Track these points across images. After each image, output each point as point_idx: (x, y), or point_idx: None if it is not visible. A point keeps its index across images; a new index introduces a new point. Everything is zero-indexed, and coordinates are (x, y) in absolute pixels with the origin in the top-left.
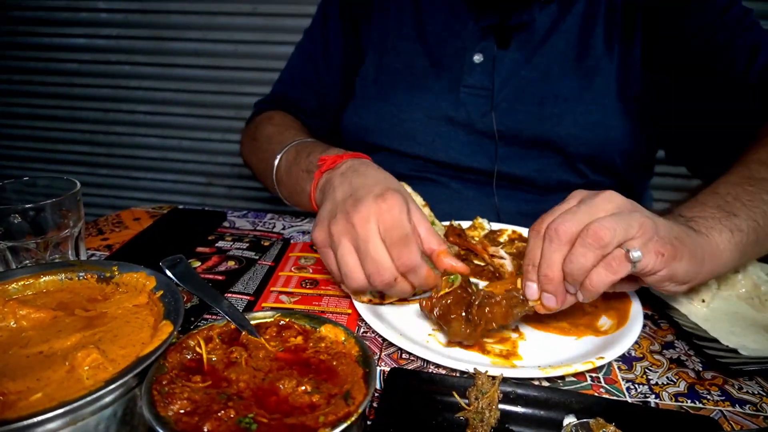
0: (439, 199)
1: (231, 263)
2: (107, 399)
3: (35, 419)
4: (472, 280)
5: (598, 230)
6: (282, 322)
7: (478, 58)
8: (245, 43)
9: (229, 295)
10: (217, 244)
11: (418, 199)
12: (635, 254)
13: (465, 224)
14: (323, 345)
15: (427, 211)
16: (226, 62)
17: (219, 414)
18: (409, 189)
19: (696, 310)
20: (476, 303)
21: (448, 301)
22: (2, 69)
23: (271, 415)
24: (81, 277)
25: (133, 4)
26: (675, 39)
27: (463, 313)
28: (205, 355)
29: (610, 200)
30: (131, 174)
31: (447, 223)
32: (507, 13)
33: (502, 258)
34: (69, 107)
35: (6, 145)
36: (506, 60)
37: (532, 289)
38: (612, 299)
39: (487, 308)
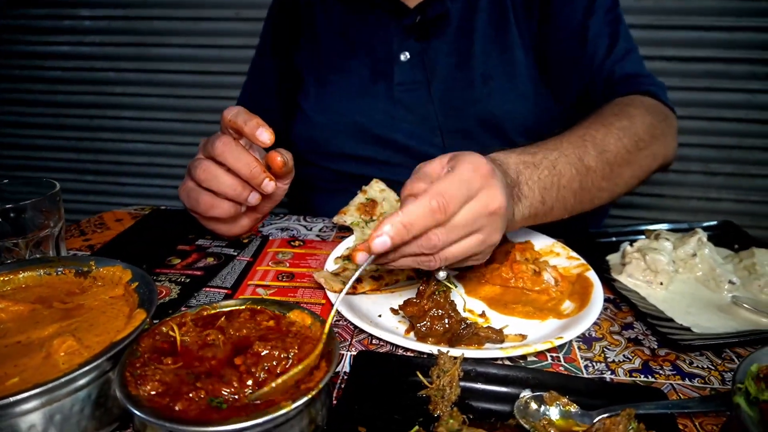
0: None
1: (210, 260)
2: (81, 381)
3: (11, 399)
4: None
5: (432, 238)
6: (256, 308)
7: (404, 56)
8: (229, 48)
9: (207, 289)
10: (197, 242)
11: (392, 195)
12: (441, 274)
13: None
14: (293, 329)
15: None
16: (211, 67)
17: (190, 395)
18: (382, 185)
19: (655, 293)
20: (462, 332)
21: (432, 312)
22: None
23: (239, 391)
24: (59, 273)
25: (117, 11)
26: (556, 17)
27: (441, 328)
28: (178, 337)
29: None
30: (118, 180)
31: None
32: (423, 10)
33: None
34: (54, 114)
35: None
36: (430, 52)
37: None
38: (576, 284)
39: (467, 339)
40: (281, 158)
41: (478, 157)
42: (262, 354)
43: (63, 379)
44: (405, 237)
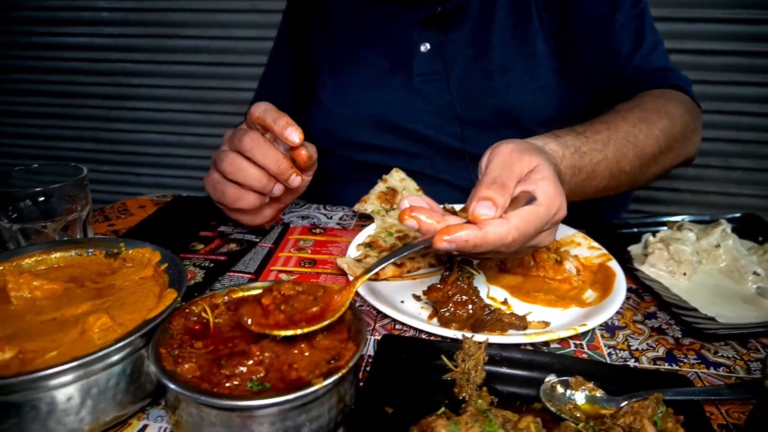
0: (422, 184)
1: (233, 245)
2: (116, 357)
3: (51, 371)
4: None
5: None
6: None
7: (424, 47)
8: (244, 40)
9: (231, 273)
10: (219, 229)
11: (412, 184)
12: None
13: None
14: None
15: (421, 194)
16: (226, 59)
17: (227, 385)
18: (402, 174)
19: (678, 283)
20: (486, 318)
21: (456, 297)
22: (5, 68)
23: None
24: (90, 253)
25: (133, 3)
26: (580, 8)
27: (465, 314)
28: (211, 319)
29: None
30: (134, 170)
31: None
32: (442, 1)
33: None
34: (72, 105)
35: (10, 144)
36: (450, 43)
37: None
38: (598, 274)
39: (491, 325)
40: (306, 152)
41: (560, 199)
42: (290, 294)
43: (99, 354)
44: (469, 251)
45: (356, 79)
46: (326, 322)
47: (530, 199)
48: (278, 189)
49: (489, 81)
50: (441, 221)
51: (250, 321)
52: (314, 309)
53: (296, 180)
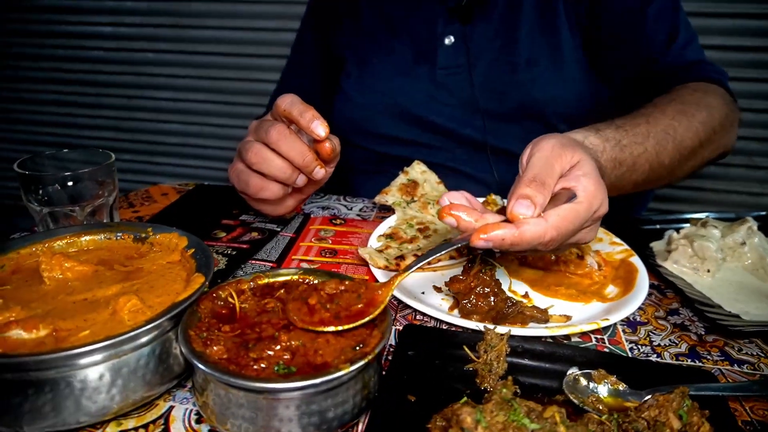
0: (443, 176)
1: (254, 234)
2: (145, 338)
3: (84, 349)
4: None
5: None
6: (315, 281)
7: (448, 40)
8: (265, 31)
9: (253, 261)
10: (241, 218)
11: (433, 177)
12: None
13: (479, 200)
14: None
15: (441, 187)
16: (246, 49)
17: (254, 368)
18: (423, 167)
19: (701, 280)
20: (507, 310)
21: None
22: (30, 56)
23: (296, 357)
24: (118, 237)
25: None
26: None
27: (486, 306)
28: (237, 304)
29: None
30: (154, 159)
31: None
32: None
33: None
34: (94, 94)
35: (33, 131)
36: (475, 36)
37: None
38: (620, 269)
39: (512, 317)
40: (330, 145)
41: (601, 195)
42: (334, 293)
43: (130, 334)
44: (507, 248)
45: (381, 70)
46: (368, 318)
47: (571, 197)
48: (301, 180)
49: (514, 74)
50: (479, 219)
51: (296, 318)
52: (358, 306)
53: (320, 172)
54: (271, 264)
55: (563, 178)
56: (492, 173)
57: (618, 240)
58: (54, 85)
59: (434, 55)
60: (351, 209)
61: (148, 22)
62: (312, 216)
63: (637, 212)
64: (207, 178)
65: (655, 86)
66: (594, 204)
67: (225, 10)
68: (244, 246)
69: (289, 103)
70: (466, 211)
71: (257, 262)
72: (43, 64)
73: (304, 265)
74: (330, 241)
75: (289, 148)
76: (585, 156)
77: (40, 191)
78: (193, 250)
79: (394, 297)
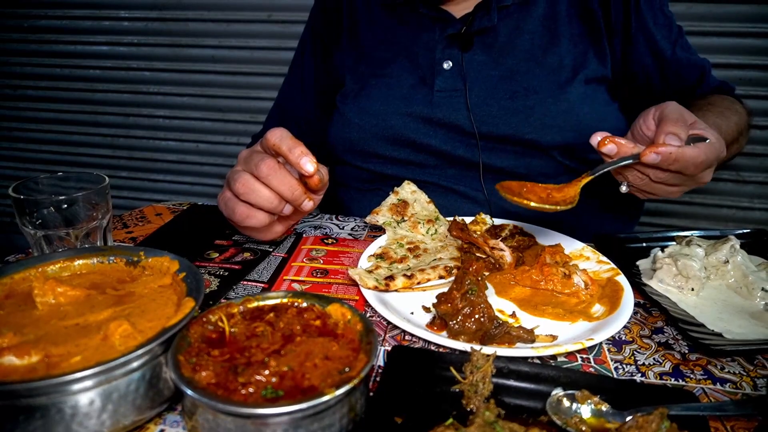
0: (432, 195)
1: (247, 254)
2: (136, 363)
3: (76, 376)
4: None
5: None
6: (303, 303)
7: (447, 64)
8: (260, 50)
9: (245, 282)
10: (233, 238)
11: (423, 197)
12: (623, 188)
13: (468, 219)
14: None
15: (431, 207)
16: (242, 68)
17: (242, 392)
18: (413, 187)
19: (685, 299)
20: (494, 331)
21: (465, 310)
22: (29, 75)
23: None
24: (111, 261)
25: (153, 13)
26: (635, 44)
27: (474, 326)
28: (227, 328)
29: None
30: (150, 176)
31: (451, 218)
32: (469, 21)
33: (501, 250)
34: (91, 112)
35: (31, 149)
36: (473, 63)
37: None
38: (606, 288)
39: (499, 338)
40: (318, 176)
41: (721, 142)
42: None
43: (121, 360)
44: (665, 166)
45: (378, 93)
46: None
47: (702, 139)
48: (288, 209)
49: (512, 101)
50: (635, 145)
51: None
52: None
53: (308, 204)
54: (263, 285)
55: (690, 128)
56: (483, 191)
57: (605, 259)
58: (52, 103)
59: (432, 78)
60: (343, 228)
61: (144, 42)
62: (304, 236)
63: (628, 226)
64: (203, 195)
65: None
66: (719, 147)
67: (221, 30)
68: (236, 267)
69: (279, 137)
70: (618, 138)
71: (249, 283)
72: (41, 83)
73: (296, 285)
74: (321, 261)
75: (279, 182)
76: (700, 119)
77: (35, 215)
78: (184, 273)
79: (383, 318)
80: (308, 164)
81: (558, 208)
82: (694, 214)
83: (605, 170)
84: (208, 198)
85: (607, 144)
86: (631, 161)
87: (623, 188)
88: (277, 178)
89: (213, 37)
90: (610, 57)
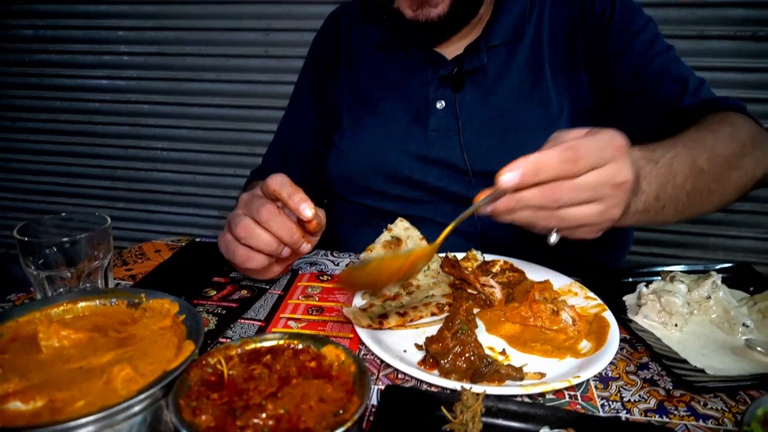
0: (428, 230)
1: (244, 292)
2: (138, 407)
3: (79, 422)
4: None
5: (557, 190)
6: (299, 345)
7: (440, 104)
8: (257, 83)
9: (242, 321)
10: (231, 275)
11: (416, 233)
12: (553, 238)
13: (460, 255)
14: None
15: (424, 243)
16: (240, 101)
17: None
18: (406, 224)
19: (670, 334)
20: (484, 369)
21: (456, 349)
22: (29, 108)
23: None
24: (113, 303)
25: (153, 48)
26: (613, 67)
27: (464, 365)
28: (226, 371)
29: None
30: (148, 207)
31: (443, 254)
32: (460, 62)
33: (492, 287)
34: (91, 144)
35: (29, 180)
36: (466, 102)
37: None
38: (593, 324)
39: (489, 376)
40: (316, 220)
41: (617, 132)
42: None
43: (124, 405)
44: (533, 178)
45: (374, 131)
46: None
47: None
48: (286, 252)
49: (503, 139)
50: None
51: None
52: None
53: (306, 247)
54: (259, 323)
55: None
56: (476, 225)
57: (592, 294)
58: (52, 135)
59: (426, 118)
60: (338, 265)
61: (144, 76)
62: (300, 272)
63: (619, 257)
64: (200, 226)
65: (675, 128)
66: (608, 147)
67: (219, 65)
68: (234, 305)
69: (279, 184)
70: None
71: (246, 321)
72: (41, 115)
73: (292, 323)
74: (317, 298)
75: (278, 227)
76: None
77: (38, 255)
78: (184, 316)
79: (376, 356)
80: (307, 210)
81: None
82: (683, 243)
83: (467, 214)
84: (205, 229)
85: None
86: (495, 194)
87: (551, 239)
88: (276, 223)
89: (211, 72)
90: (595, 85)
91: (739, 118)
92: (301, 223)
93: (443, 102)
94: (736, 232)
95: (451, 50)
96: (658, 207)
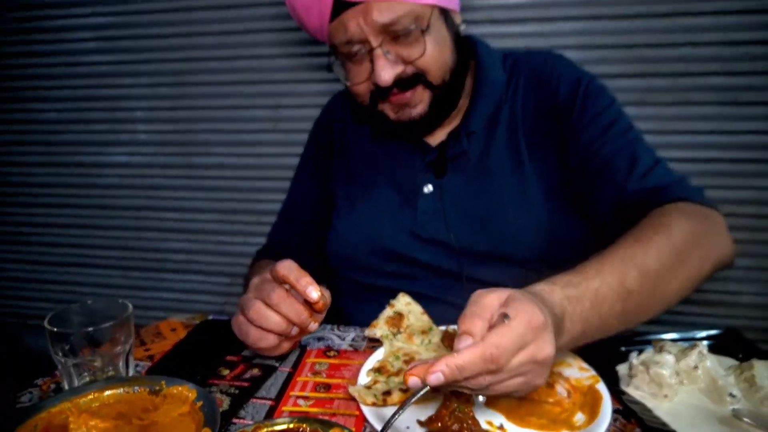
0: (422, 305)
1: (255, 370)
2: None
3: None
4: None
5: (480, 380)
6: (307, 429)
7: (427, 188)
8: (266, 156)
9: (254, 400)
10: (243, 353)
11: (417, 308)
12: (480, 399)
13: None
14: None
15: (425, 317)
16: (248, 173)
17: None
18: (408, 299)
19: (660, 405)
20: None
21: (454, 426)
22: (51, 184)
23: None
24: (135, 390)
25: (168, 126)
26: (573, 148)
27: None
28: None
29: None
30: (160, 275)
31: (444, 328)
32: (443, 148)
33: None
34: (106, 216)
35: (46, 252)
36: (450, 185)
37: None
38: (587, 396)
39: None
40: (323, 302)
41: (533, 309)
42: None
43: None
44: (457, 377)
45: (368, 213)
46: None
47: (505, 316)
48: (295, 331)
49: (485, 220)
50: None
51: None
52: None
53: (314, 326)
54: (270, 402)
55: (499, 309)
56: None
57: (586, 365)
58: (68, 209)
59: (415, 201)
60: (344, 339)
61: (160, 152)
62: (308, 348)
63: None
64: (210, 293)
65: (627, 221)
66: (527, 333)
67: (229, 140)
68: (246, 384)
69: (287, 269)
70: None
71: (258, 400)
72: (60, 190)
73: (301, 401)
74: (324, 375)
75: (288, 309)
76: (514, 291)
77: (66, 343)
78: (201, 402)
79: None
80: (313, 292)
81: None
82: (684, 300)
83: (407, 407)
84: (215, 296)
85: (409, 379)
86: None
87: (480, 399)
88: (286, 305)
89: (222, 146)
90: (561, 166)
91: (680, 216)
92: (308, 303)
93: (430, 186)
94: (736, 287)
95: (436, 137)
96: (585, 338)
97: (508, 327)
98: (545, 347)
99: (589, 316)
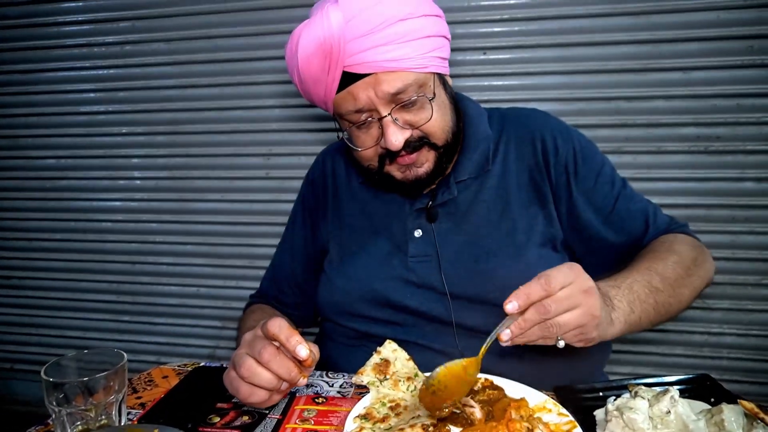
0: (411, 352)
1: (245, 418)
2: None
3: None
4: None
5: (545, 305)
6: None
7: (418, 233)
8: (259, 202)
9: None
10: (233, 400)
11: (403, 355)
12: (561, 343)
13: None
14: None
15: (411, 364)
16: (242, 218)
17: None
18: (394, 346)
19: None
20: None
21: None
22: (47, 229)
23: None
24: None
25: (163, 173)
26: (580, 210)
27: None
28: None
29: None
30: (152, 320)
31: (428, 374)
32: (434, 195)
33: (472, 407)
34: (100, 260)
35: (39, 296)
36: (440, 230)
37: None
38: None
39: None
40: (312, 359)
41: (572, 263)
42: None
43: None
44: (526, 302)
45: (359, 260)
46: None
47: None
48: (284, 386)
49: (476, 265)
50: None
51: None
52: None
53: (303, 382)
54: None
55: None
56: (457, 347)
57: (564, 411)
58: (63, 253)
59: (406, 246)
60: (332, 386)
61: (155, 198)
62: (297, 395)
63: (599, 365)
64: (201, 336)
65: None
66: (569, 273)
67: (223, 186)
68: (236, 431)
69: (278, 328)
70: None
71: None
72: (56, 235)
73: None
74: (312, 422)
75: (278, 366)
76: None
77: (60, 392)
78: None
79: None
80: (302, 351)
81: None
82: (667, 340)
83: (490, 341)
84: (206, 339)
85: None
86: (507, 321)
87: (560, 344)
88: (276, 362)
89: (216, 192)
90: (558, 219)
91: (682, 243)
92: (297, 360)
93: (420, 231)
94: (718, 328)
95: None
96: (635, 318)
97: (554, 268)
98: (587, 281)
99: (631, 299)
